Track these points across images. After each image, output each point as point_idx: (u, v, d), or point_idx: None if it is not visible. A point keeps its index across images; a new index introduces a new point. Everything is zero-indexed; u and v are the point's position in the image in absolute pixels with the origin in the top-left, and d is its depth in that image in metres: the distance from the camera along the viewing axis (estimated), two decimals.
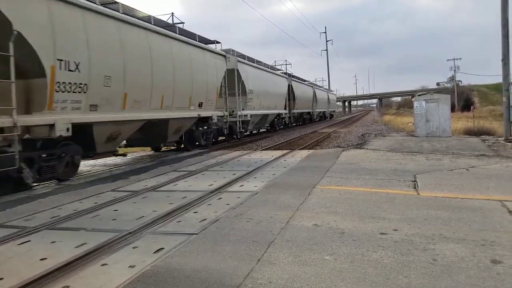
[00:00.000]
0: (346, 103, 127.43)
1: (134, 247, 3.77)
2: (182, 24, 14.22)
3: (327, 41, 75.39)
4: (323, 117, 44.27)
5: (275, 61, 65.89)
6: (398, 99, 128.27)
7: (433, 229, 3.97)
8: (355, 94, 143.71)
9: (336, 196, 5.59)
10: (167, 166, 9.86)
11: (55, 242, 4.00)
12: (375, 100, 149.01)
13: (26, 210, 5.53)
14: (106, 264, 3.35)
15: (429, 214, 4.54)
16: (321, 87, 45.41)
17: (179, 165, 9.98)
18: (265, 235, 3.95)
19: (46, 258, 3.50)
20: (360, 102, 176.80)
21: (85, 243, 3.86)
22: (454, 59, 63.06)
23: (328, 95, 46.77)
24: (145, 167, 9.91)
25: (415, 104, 16.11)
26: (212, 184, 6.93)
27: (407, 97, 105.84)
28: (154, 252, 3.58)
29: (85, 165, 10.72)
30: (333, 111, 54.20)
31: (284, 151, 12.15)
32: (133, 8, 10.65)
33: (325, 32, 75.45)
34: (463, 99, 57.55)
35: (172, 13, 13.91)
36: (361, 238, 3.77)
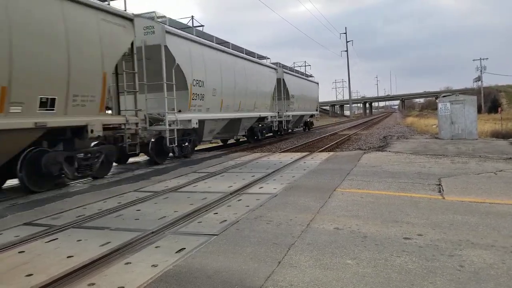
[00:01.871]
0: (367, 105, 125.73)
1: (156, 247, 3.83)
2: (202, 27, 14.50)
3: (347, 41, 74.68)
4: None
5: (294, 63, 65.69)
6: (421, 100, 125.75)
7: (460, 235, 3.86)
8: (376, 95, 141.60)
9: (357, 200, 5.51)
10: (187, 167, 9.97)
11: (81, 240, 4.11)
12: (397, 102, 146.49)
13: (53, 209, 5.71)
14: (130, 263, 3.41)
15: (455, 219, 4.41)
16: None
17: (199, 166, 10.08)
18: (286, 237, 3.94)
19: (72, 256, 3.60)
20: (382, 104, 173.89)
21: (109, 242, 3.95)
22: (480, 59, 61.25)
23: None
24: (166, 168, 10.05)
25: (440, 105, 15.72)
26: (231, 186, 6.96)
27: (430, 98, 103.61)
28: (176, 252, 3.63)
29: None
30: (313, 115, 30.20)
31: (304, 153, 12.08)
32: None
33: (345, 33, 74.81)
34: (489, 101, 55.79)
35: (192, 16, 14.20)
36: (384, 243, 3.70)
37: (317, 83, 31.41)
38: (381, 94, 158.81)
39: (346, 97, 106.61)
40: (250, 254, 3.51)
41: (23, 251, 3.86)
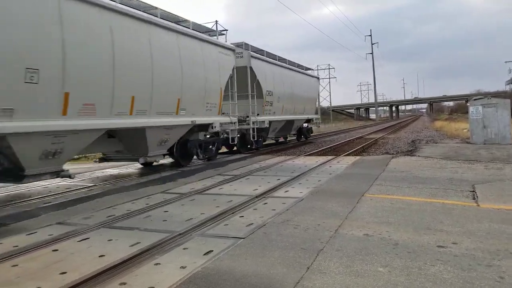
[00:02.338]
0: (394, 108, 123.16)
1: (184, 248, 3.86)
2: (226, 31, 14.45)
3: (372, 44, 73.66)
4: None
5: (317, 66, 65.72)
6: (451, 103, 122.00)
7: (498, 244, 3.68)
8: (403, 98, 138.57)
9: (387, 205, 5.37)
10: (212, 169, 10.05)
11: (111, 240, 4.20)
12: (424, 105, 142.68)
13: (84, 209, 5.88)
14: (159, 264, 3.45)
15: (491, 227, 4.22)
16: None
17: (224, 169, 10.13)
18: (314, 243, 3.88)
19: (104, 255, 3.68)
20: (409, 107, 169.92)
21: (138, 242, 4.01)
22: None
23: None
24: (192, 170, 10.16)
25: (471, 109, 15.16)
26: (256, 189, 6.95)
27: (460, 101, 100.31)
28: (204, 254, 3.64)
29: (136, 167, 11.20)
30: (310, 120, 21.94)
31: (329, 157, 11.93)
32: None
33: (370, 35, 73.87)
34: None
35: (216, 21, 14.12)
36: (417, 251, 3.58)
37: (318, 78, 23.82)
38: (408, 97, 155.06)
39: (372, 100, 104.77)
40: (278, 258, 3.48)
41: (57, 250, 3.98)
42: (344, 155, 12.64)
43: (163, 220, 5.02)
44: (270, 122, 15.92)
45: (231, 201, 6.03)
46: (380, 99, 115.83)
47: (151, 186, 7.76)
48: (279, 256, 3.54)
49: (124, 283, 3.05)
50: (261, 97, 15.07)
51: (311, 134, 23.15)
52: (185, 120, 10.21)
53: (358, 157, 11.80)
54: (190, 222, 4.81)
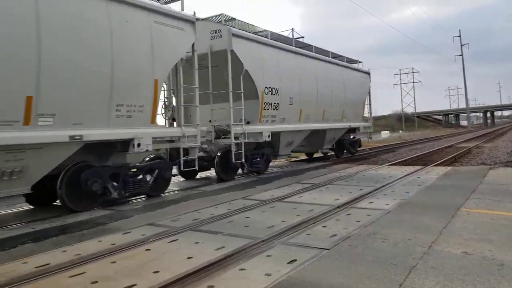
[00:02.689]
0: (488, 114, 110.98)
1: (268, 255, 3.86)
2: (302, 38, 14.40)
3: (462, 45, 67.54)
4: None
5: (400, 69, 62.25)
6: None
7: None
8: (499, 103, 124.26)
9: (487, 221, 4.79)
10: (290, 177, 10.01)
11: (198, 242, 4.38)
12: None
13: (172, 212, 6.26)
14: (244, 269, 3.50)
15: None
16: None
17: (302, 177, 10.03)
18: (405, 258, 3.60)
19: (192, 257, 3.85)
20: (506, 113, 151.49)
21: (223, 247, 4.12)
22: None
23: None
24: (269, 177, 10.24)
25: None
26: (338, 199, 6.73)
27: None
28: (287, 263, 3.60)
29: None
30: (355, 130, 16.24)
31: (416, 167, 11.11)
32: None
33: (459, 36, 67.78)
34: None
35: (292, 28, 14.15)
36: None
37: (367, 73, 17.18)
38: (505, 101, 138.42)
39: (462, 105, 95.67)
40: (366, 273, 3.29)
41: (149, 249, 4.26)
42: (434, 165, 11.66)
43: (245, 226, 5.10)
44: (279, 134, 11.33)
45: (312, 210, 5.92)
46: (472, 104, 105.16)
47: (231, 192, 7.99)
48: (367, 270, 3.35)
49: (212, 286, 3.14)
50: (255, 97, 10.33)
51: (358, 149, 17.28)
52: (54, 134, 5.77)
53: (449, 168, 10.80)
54: (271, 229, 4.82)
